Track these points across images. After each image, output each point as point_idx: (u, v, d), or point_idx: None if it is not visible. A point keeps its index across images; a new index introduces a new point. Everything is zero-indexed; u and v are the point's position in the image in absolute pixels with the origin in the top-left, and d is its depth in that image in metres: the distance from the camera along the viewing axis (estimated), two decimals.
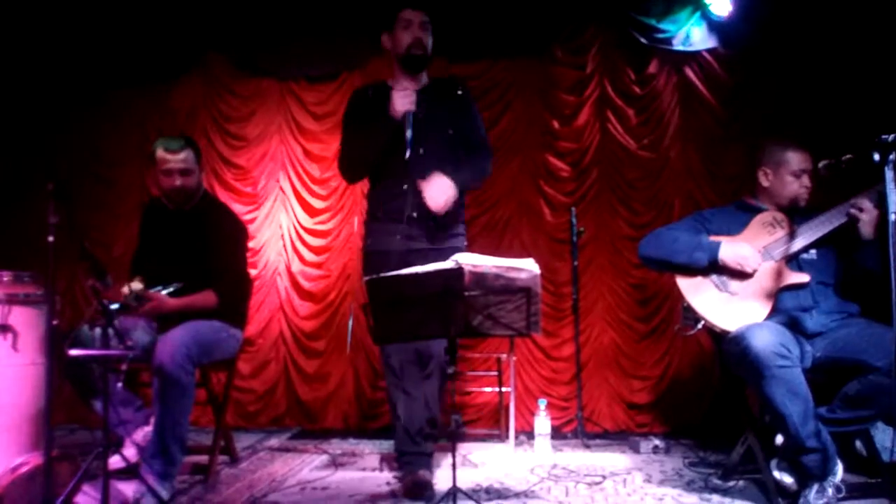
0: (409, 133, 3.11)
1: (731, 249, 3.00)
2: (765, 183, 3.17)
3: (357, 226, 4.76)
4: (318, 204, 4.87)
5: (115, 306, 2.85)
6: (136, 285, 3.08)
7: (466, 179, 3.24)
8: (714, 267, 3.02)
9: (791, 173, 3.11)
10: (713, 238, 3.07)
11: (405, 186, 3.18)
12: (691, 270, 3.05)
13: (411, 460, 3.22)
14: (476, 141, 3.36)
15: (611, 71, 4.68)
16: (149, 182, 4.83)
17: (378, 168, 3.25)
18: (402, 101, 3.11)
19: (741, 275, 3.01)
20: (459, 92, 3.36)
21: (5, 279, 2.98)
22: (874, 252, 2.92)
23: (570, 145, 4.69)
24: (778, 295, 2.98)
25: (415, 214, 3.16)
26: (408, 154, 3.13)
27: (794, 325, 2.92)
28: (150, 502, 2.82)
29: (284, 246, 4.88)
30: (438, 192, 3.09)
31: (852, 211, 2.92)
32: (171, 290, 3.18)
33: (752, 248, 3.02)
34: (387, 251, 3.18)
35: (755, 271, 2.99)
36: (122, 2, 4.77)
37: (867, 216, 2.90)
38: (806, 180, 3.11)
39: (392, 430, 4.25)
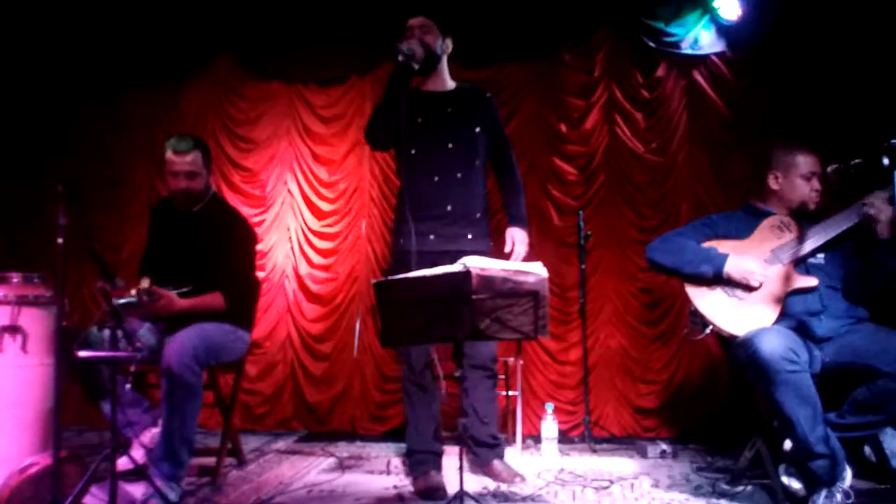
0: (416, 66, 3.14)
1: (737, 264, 2.98)
2: (774, 186, 3.16)
3: (364, 228, 4.77)
4: (325, 207, 4.88)
5: (126, 300, 2.87)
6: (144, 284, 3.09)
7: (524, 208, 3.53)
8: (719, 279, 3.01)
9: (801, 176, 3.10)
10: (721, 249, 3.05)
11: (437, 179, 3.26)
12: (698, 280, 3.05)
13: (422, 459, 3.24)
14: (504, 141, 3.52)
15: (619, 75, 4.68)
16: (159, 183, 4.84)
17: (409, 162, 3.27)
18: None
19: (747, 287, 3.00)
20: (488, 95, 3.49)
21: (15, 280, 3.00)
22: (894, 251, 2.90)
23: (577, 149, 4.69)
24: (786, 299, 2.97)
25: (448, 208, 3.25)
26: (449, 145, 3.29)
27: (802, 330, 2.91)
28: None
29: (292, 248, 4.89)
30: (524, 247, 3.41)
31: (871, 211, 2.88)
32: (180, 292, 3.19)
33: (758, 260, 3.01)
34: (419, 251, 3.15)
35: (761, 285, 2.98)
36: (132, 3, 4.80)
37: (883, 215, 2.87)
38: (816, 183, 3.10)
39: (399, 434, 4.26)
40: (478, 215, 3.34)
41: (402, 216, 3.29)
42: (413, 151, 3.26)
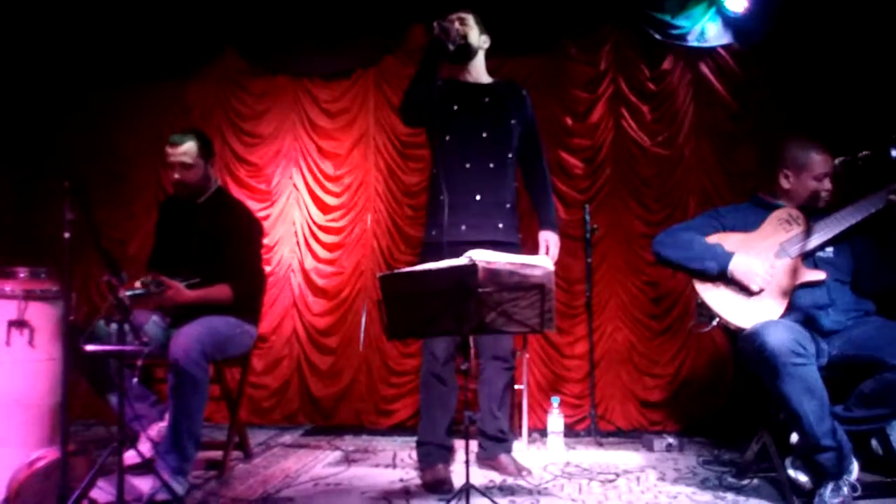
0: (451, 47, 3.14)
1: (741, 263, 2.98)
2: (785, 185, 3.12)
3: (370, 222, 4.77)
4: (331, 201, 4.87)
5: (134, 291, 2.88)
6: (150, 278, 3.11)
7: (554, 210, 3.58)
8: (723, 277, 3.00)
9: (814, 177, 3.07)
10: (729, 242, 3.04)
11: (468, 166, 3.26)
12: (703, 276, 3.04)
13: (431, 452, 3.25)
14: (536, 139, 3.51)
15: (625, 67, 4.66)
16: (164, 178, 4.84)
17: (442, 149, 3.27)
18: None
19: (746, 289, 2.99)
20: (524, 92, 3.50)
21: (22, 275, 3.01)
22: None
23: (583, 142, 4.67)
24: (793, 292, 2.96)
25: (479, 197, 3.24)
26: (484, 134, 3.30)
27: (809, 323, 2.90)
28: (164, 497, 2.83)
29: (298, 243, 4.89)
30: (556, 249, 3.46)
31: (892, 197, 2.85)
32: (188, 283, 3.20)
33: (765, 260, 3.00)
34: (451, 242, 3.11)
35: (761, 290, 2.97)
36: None
37: None
38: (827, 183, 3.08)
39: (405, 428, 4.26)
40: (508, 206, 3.35)
41: (434, 205, 3.31)
42: (447, 138, 3.26)
